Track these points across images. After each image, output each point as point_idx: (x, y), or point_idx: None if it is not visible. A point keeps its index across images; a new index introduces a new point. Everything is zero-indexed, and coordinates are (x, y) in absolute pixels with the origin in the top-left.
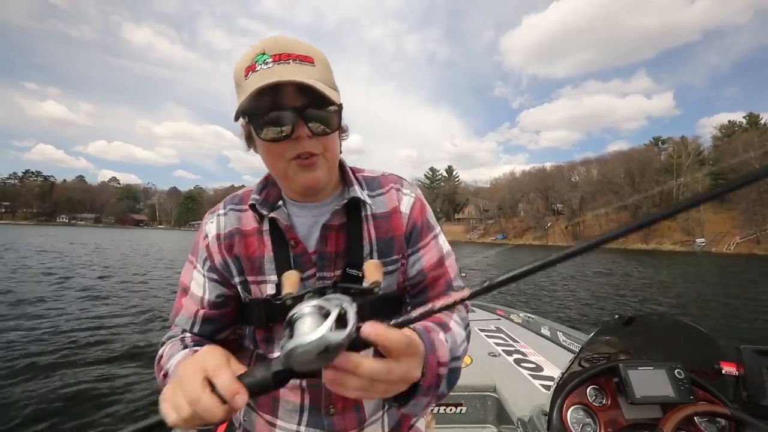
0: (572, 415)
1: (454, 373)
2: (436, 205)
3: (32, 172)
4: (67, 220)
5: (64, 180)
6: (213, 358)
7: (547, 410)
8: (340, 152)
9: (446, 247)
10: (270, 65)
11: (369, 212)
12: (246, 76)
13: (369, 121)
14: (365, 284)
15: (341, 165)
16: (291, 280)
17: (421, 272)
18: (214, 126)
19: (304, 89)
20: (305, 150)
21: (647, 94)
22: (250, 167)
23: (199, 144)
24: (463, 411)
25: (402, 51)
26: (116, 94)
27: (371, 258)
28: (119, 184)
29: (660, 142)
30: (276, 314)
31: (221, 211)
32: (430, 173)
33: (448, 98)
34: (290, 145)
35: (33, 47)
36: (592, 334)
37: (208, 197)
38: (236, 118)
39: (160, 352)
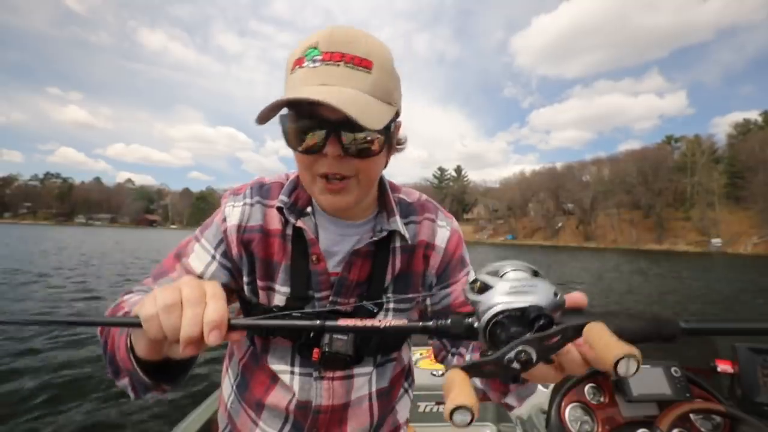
0: (570, 413)
1: None
2: (445, 205)
3: (52, 174)
4: (84, 221)
5: (83, 182)
6: (216, 286)
7: (546, 408)
8: (385, 166)
9: None
10: (317, 64)
11: (398, 244)
12: (293, 69)
13: None
14: None
15: (381, 185)
16: None
17: (448, 308)
18: (227, 128)
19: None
20: (333, 171)
21: (660, 93)
22: (261, 168)
23: (213, 146)
24: None
25: (411, 51)
26: (133, 98)
27: (389, 291)
28: (133, 185)
29: (673, 141)
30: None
31: (248, 200)
32: (439, 173)
33: (457, 98)
34: (319, 161)
35: (55, 54)
36: None
37: (219, 198)
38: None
39: (119, 300)
